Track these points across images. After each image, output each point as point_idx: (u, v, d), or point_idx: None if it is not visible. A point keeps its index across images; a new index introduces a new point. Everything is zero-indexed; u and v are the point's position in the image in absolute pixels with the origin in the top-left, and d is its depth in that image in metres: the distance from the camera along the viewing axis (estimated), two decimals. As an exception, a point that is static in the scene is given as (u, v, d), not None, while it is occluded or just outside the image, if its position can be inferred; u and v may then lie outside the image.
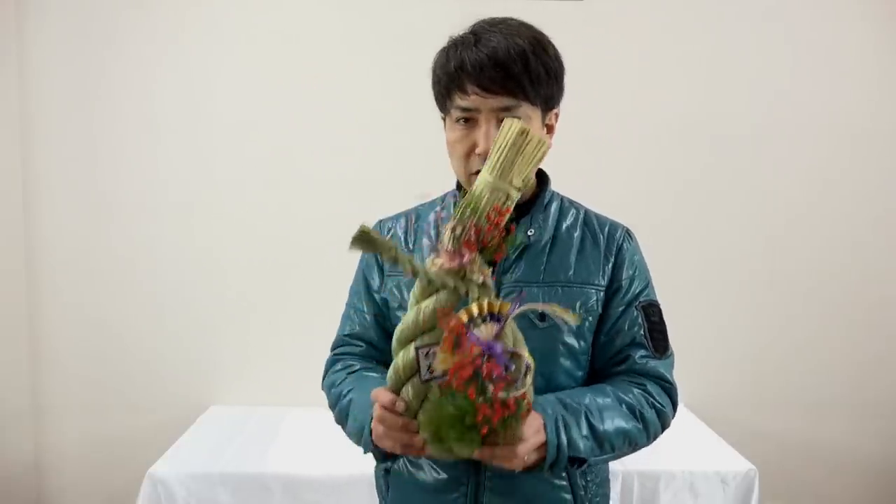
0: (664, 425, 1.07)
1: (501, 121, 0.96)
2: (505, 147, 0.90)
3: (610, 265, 1.08)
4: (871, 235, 2.41)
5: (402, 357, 0.88)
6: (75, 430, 2.36)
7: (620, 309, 1.08)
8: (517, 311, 0.83)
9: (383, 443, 0.92)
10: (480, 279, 0.86)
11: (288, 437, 2.05)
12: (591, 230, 1.12)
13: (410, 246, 1.13)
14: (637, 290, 1.09)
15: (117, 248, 2.31)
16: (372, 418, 0.94)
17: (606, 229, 1.12)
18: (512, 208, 0.90)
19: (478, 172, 0.97)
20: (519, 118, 0.97)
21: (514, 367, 0.81)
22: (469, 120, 1.01)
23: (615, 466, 1.89)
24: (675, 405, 1.08)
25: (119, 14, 2.24)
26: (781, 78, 2.35)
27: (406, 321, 0.88)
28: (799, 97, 2.36)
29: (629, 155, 2.35)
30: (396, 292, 1.11)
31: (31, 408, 2.34)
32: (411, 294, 0.90)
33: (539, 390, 0.99)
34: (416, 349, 0.86)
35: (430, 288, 0.87)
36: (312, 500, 1.83)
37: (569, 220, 1.12)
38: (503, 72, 0.97)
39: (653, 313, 1.10)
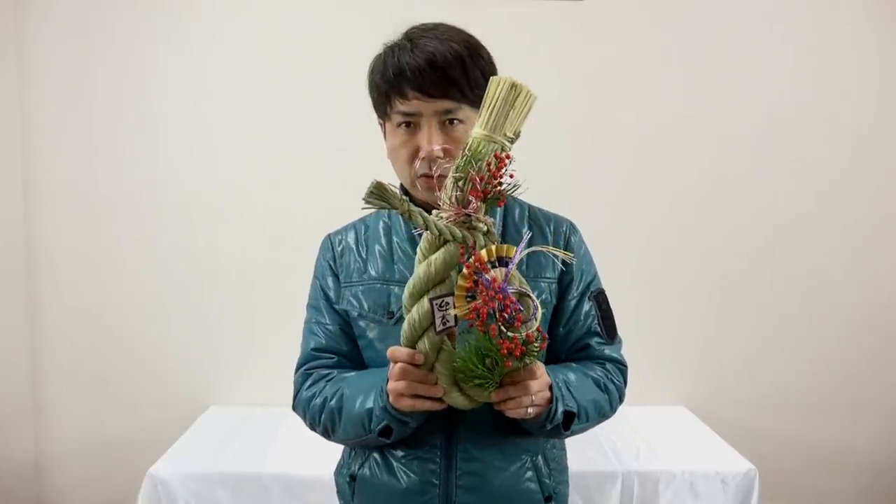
0: (621, 398, 1.15)
1: (443, 123, 1.01)
2: (495, 103, 0.93)
3: (560, 259, 1.11)
4: (871, 236, 2.41)
5: (416, 310, 0.91)
6: (75, 430, 2.36)
7: (574, 301, 1.12)
8: (522, 253, 0.89)
9: (402, 402, 0.93)
10: (485, 228, 0.91)
11: (288, 437, 2.05)
12: (537, 225, 1.14)
13: (364, 255, 1.13)
14: (588, 281, 1.14)
15: (117, 249, 2.31)
16: (385, 384, 0.95)
17: (552, 224, 1.15)
18: (511, 155, 0.92)
19: (424, 176, 1.01)
20: (461, 120, 1.02)
21: (524, 306, 0.87)
22: (411, 124, 1.03)
23: (615, 467, 1.89)
24: (626, 383, 1.16)
25: (119, 14, 2.24)
26: (781, 78, 2.35)
27: (417, 275, 0.91)
28: (799, 98, 2.36)
29: (629, 155, 2.35)
30: (354, 301, 1.11)
31: (31, 408, 2.34)
32: (418, 249, 0.93)
33: None
34: (430, 301, 0.90)
35: (438, 241, 0.91)
36: (312, 500, 1.83)
37: (515, 217, 1.14)
38: (442, 75, 0.99)
39: (602, 301, 1.15)
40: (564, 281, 1.12)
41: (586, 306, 1.12)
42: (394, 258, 1.11)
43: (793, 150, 2.37)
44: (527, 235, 0.94)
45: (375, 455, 1.09)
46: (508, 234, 1.11)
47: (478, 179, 0.89)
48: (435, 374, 0.92)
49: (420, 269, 0.91)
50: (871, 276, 2.42)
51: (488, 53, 1.06)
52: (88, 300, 2.32)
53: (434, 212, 0.92)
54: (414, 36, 1.04)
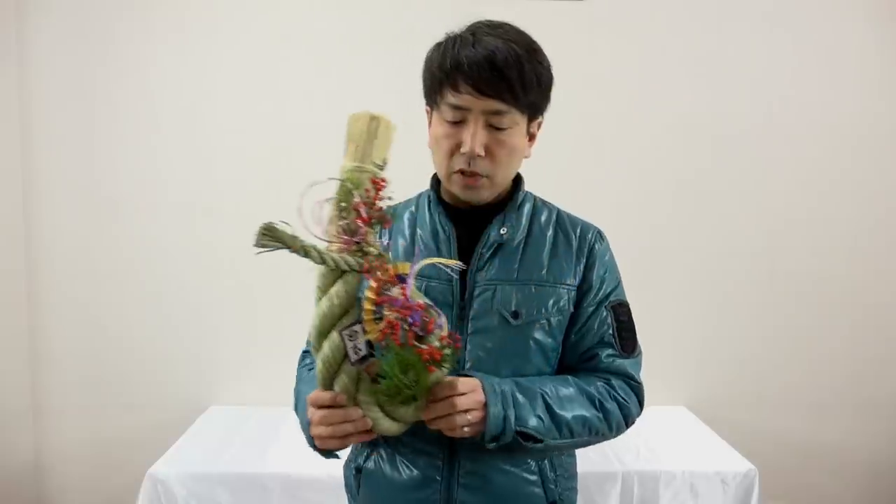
0: (627, 419, 1.10)
1: (489, 123, 1.00)
2: (359, 136, 0.97)
3: (582, 265, 1.10)
4: (871, 236, 2.41)
5: (328, 346, 0.91)
6: (75, 430, 2.36)
7: (591, 309, 1.10)
8: (417, 267, 0.91)
9: (329, 444, 0.95)
10: (376, 251, 0.92)
11: (288, 437, 2.05)
12: (563, 230, 1.13)
13: (385, 243, 1.14)
14: (608, 291, 1.12)
15: (117, 248, 2.31)
16: (308, 427, 0.97)
17: (578, 230, 1.14)
18: (386, 178, 0.95)
19: (460, 171, 1.02)
20: (508, 127, 1.01)
21: (429, 317, 0.89)
22: (458, 118, 1.02)
23: (615, 467, 1.89)
24: (640, 402, 1.13)
25: (119, 14, 2.24)
26: (782, 78, 2.35)
27: (321, 312, 0.91)
28: (799, 98, 2.36)
29: (630, 155, 2.35)
30: None
31: (31, 408, 2.34)
32: (315, 287, 0.93)
33: None
34: (340, 332, 0.90)
35: (334, 274, 0.92)
36: (312, 499, 1.83)
37: (542, 220, 1.13)
38: (498, 75, 0.98)
39: (622, 313, 1.12)
40: (583, 288, 1.10)
41: (602, 315, 1.10)
42: (415, 251, 1.10)
43: (793, 150, 2.37)
44: (418, 252, 0.96)
45: (381, 449, 1.10)
46: (533, 238, 1.10)
47: (362, 206, 0.91)
48: (359, 406, 0.92)
49: (322, 305, 0.91)
50: (871, 276, 2.42)
51: (548, 61, 1.05)
52: (88, 300, 2.32)
53: (324, 246, 0.92)
54: (478, 31, 1.03)
